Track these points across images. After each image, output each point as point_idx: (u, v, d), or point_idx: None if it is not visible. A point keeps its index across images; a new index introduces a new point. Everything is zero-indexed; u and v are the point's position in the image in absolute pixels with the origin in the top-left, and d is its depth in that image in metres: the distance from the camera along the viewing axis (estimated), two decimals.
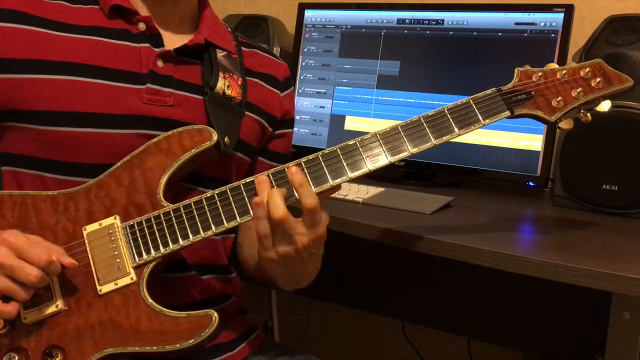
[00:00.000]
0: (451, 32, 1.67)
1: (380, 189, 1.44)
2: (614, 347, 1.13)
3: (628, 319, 1.10)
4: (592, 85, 1.01)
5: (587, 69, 1.02)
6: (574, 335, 1.54)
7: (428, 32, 1.70)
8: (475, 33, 1.64)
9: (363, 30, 1.79)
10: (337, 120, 1.80)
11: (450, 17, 1.68)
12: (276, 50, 1.89)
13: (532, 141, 1.55)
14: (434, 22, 1.70)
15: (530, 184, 1.56)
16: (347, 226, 1.19)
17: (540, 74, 1.02)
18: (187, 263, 1.06)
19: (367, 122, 1.76)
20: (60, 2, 1.04)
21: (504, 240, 1.15)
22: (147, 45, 1.05)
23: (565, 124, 1.01)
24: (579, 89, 1.01)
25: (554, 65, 1.03)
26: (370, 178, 1.57)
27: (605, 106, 1.02)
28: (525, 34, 1.59)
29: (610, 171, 1.41)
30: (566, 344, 1.56)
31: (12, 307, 0.86)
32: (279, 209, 0.88)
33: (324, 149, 0.95)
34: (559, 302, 1.53)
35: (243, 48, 1.18)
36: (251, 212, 0.92)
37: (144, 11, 1.07)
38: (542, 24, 1.57)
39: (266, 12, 2.04)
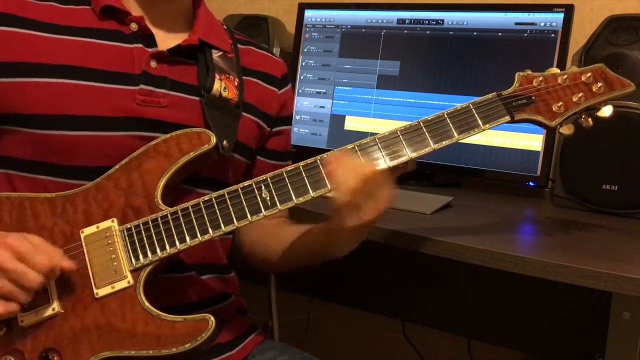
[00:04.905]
0: (451, 32, 1.67)
1: None
2: (614, 347, 1.12)
3: (628, 319, 1.10)
4: (594, 90, 1.01)
5: (589, 74, 1.01)
6: (574, 335, 1.54)
7: (428, 32, 1.70)
8: (475, 33, 1.64)
9: (363, 30, 1.78)
10: (337, 120, 1.80)
11: (450, 17, 1.67)
12: (276, 50, 1.88)
13: (532, 141, 1.55)
14: (434, 22, 1.69)
15: (530, 184, 1.56)
16: None
17: (541, 78, 1.01)
18: (186, 263, 1.06)
19: (367, 122, 1.75)
20: (51, 4, 1.04)
21: (504, 240, 1.15)
22: (140, 45, 1.04)
23: (566, 129, 1.01)
24: (580, 94, 1.00)
25: (555, 70, 1.03)
26: None
27: (606, 111, 1.02)
28: (525, 34, 1.58)
29: (610, 171, 1.40)
30: (566, 344, 1.55)
31: (13, 307, 0.87)
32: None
33: (323, 150, 0.95)
34: (559, 302, 1.53)
35: (239, 45, 1.18)
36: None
37: (136, 11, 1.06)
38: (542, 24, 1.56)
39: (266, 12, 2.03)
